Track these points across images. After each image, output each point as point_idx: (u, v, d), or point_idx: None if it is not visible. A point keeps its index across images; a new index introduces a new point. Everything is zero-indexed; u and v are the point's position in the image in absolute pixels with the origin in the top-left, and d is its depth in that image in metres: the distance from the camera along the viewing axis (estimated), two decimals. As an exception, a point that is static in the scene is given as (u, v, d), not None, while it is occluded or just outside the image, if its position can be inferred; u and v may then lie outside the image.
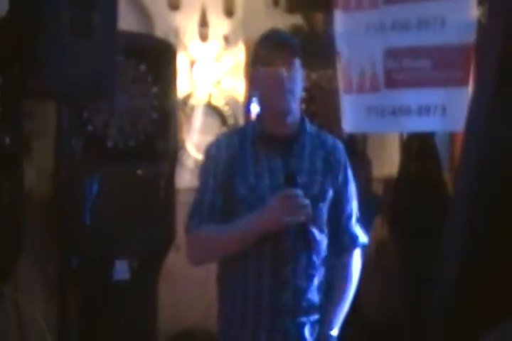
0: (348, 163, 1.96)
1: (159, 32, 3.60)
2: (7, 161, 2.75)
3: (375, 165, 3.93)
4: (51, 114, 2.99)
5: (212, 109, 3.87)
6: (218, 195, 1.85)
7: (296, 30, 3.95)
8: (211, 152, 1.91)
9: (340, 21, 3.22)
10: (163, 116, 3.31)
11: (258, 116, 1.94)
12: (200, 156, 3.71)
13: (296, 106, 1.88)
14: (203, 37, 3.78)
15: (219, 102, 3.88)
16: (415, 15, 2.94)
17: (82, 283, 3.09)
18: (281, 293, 1.82)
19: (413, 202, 3.65)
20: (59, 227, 3.08)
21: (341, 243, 1.95)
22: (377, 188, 4.02)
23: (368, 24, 3.10)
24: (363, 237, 1.98)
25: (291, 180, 1.78)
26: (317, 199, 1.85)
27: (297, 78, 1.85)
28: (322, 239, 1.89)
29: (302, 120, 1.93)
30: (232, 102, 3.91)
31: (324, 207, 1.88)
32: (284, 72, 1.80)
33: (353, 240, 1.97)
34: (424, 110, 2.93)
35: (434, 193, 3.60)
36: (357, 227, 1.98)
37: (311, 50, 3.57)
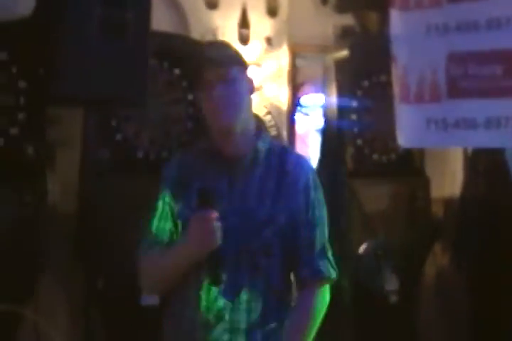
0: (314, 185, 1.86)
1: (195, 33, 3.63)
2: (29, 172, 2.74)
3: (434, 185, 3.84)
4: (77, 122, 3.01)
5: (252, 119, 3.88)
6: (166, 219, 1.85)
7: (346, 31, 3.95)
8: (163, 174, 1.91)
9: (396, 22, 3.13)
10: (199, 125, 3.26)
11: (207, 133, 1.89)
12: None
13: (244, 122, 1.82)
14: (244, 39, 3.80)
15: (260, 111, 3.86)
16: (485, 15, 2.83)
17: (108, 308, 3.05)
18: (215, 328, 1.77)
19: (480, 227, 3.57)
20: (84, 246, 3.05)
21: (301, 275, 1.84)
22: (437, 210, 3.94)
23: (429, 25, 3.00)
24: (328, 271, 1.84)
25: (205, 200, 1.71)
26: (263, 225, 1.77)
27: (240, 89, 1.80)
28: (265, 270, 1.79)
29: (258, 137, 1.86)
30: (274, 111, 3.92)
31: (273, 234, 1.79)
32: (220, 87, 1.76)
33: (315, 273, 1.83)
34: (494, 123, 2.82)
35: (505, 218, 3.49)
36: (322, 259, 1.84)
37: (363, 54, 3.47)
